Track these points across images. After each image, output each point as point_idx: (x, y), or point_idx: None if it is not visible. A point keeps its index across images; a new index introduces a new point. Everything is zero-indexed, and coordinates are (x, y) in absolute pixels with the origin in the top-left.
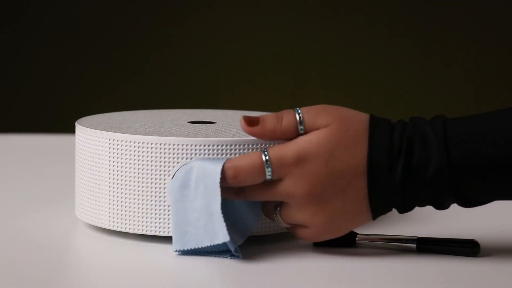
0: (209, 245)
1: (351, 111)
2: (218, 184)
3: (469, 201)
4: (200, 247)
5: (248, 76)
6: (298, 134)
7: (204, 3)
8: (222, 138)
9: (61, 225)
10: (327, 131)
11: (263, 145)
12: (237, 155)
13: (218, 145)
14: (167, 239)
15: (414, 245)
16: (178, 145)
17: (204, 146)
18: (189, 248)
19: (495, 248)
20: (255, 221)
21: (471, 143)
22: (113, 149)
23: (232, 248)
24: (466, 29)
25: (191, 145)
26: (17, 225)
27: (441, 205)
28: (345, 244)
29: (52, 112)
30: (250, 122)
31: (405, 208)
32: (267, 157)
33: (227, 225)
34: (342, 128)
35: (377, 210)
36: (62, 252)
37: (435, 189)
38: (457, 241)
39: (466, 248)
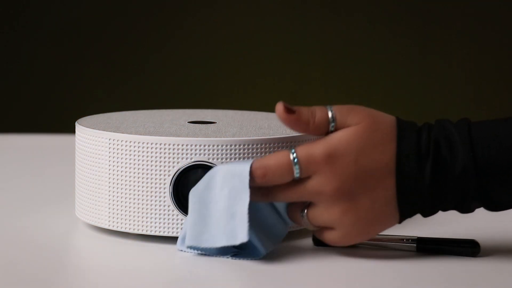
0: (224, 245)
1: (380, 112)
2: (247, 185)
3: (495, 204)
4: (215, 247)
5: (248, 76)
6: (328, 132)
7: (204, 3)
8: (222, 138)
9: (61, 225)
10: (357, 129)
11: (263, 145)
12: (237, 155)
13: (218, 145)
14: (167, 239)
15: (414, 245)
16: (178, 145)
17: (204, 146)
18: (204, 247)
19: (495, 248)
20: (285, 228)
21: (498, 146)
22: (113, 149)
23: (263, 253)
24: (466, 29)
25: (191, 145)
26: (17, 225)
27: (466, 209)
28: None
29: (52, 112)
30: (288, 110)
31: (431, 209)
32: (294, 155)
33: (250, 226)
34: (372, 127)
35: (405, 210)
36: (62, 252)
37: (462, 191)
38: (457, 241)
39: (466, 248)
